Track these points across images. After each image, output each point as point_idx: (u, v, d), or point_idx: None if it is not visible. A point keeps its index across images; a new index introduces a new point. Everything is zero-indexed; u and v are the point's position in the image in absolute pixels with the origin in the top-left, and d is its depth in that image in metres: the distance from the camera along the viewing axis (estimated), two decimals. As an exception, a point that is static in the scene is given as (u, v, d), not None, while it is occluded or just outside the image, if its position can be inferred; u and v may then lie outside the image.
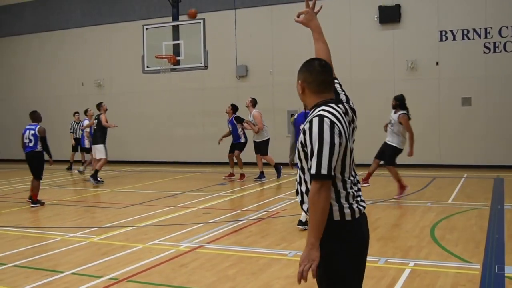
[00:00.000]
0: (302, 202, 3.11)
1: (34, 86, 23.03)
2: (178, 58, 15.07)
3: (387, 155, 10.96)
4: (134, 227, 8.74)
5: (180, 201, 11.40)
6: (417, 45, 16.73)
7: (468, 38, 16.20)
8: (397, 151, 10.91)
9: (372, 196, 11.11)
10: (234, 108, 14.69)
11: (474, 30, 16.12)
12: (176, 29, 15.45)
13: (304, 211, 3.10)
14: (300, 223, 8.15)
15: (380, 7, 16.96)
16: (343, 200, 3.00)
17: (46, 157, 11.36)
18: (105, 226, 8.89)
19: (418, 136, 16.58)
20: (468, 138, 16.18)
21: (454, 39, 16.35)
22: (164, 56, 14.98)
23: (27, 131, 11.29)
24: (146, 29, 15.60)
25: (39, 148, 11.17)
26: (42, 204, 11.13)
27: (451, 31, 16.36)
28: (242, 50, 18.59)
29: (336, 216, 2.97)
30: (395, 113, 10.90)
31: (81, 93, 21.86)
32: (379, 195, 11.41)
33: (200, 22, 14.75)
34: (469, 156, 16.13)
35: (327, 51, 3.59)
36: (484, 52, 16.05)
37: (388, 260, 6.31)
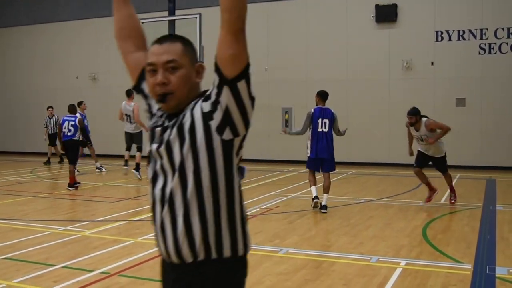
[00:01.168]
0: (190, 243, 2.10)
1: (28, 79, 22.91)
2: (173, 53, 15.02)
3: (442, 166, 10.09)
4: (126, 222, 8.73)
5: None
6: (413, 44, 16.75)
7: (464, 39, 16.24)
8: (445, 157, 10.17)
9: (365, 195, 11.14)
10: None
11: (470, 31, 16.16)
12: (172, 24, 15.41)
13: (183, 258, 2.11)
14: (324, 207, 9.22)
15: (376, 6, 16.95)
16: (246, 228, 2.23)
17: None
18: (97, 220, 8.87)
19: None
20: (462, 138, 16.20)
21: (450, 39, 16.39)
22: (159, 50, 14.92)
23: (66, 122, 12.38)
24: (142, 23, 15.49)
25: (77, 137, 12.34)
26: (77, 187, 12.23)
27: (447, 31, 16.40)
28: (238, 46, 18.50)
29: (241, 250, 2.18)
30: (417, 130, 9.78)
31: (75, 86, 21.75)
32: (371, 194, 11.43)
33: (196, 17, 14.72)
34: (462, 156, 16.15)
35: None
36: (480, 53, 16.09)
37: (380, 259, 6.33)
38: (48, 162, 18.22)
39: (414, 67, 16.80)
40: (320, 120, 9.33)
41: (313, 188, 9.47)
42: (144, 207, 9.96)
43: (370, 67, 17.22)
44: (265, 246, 7.00)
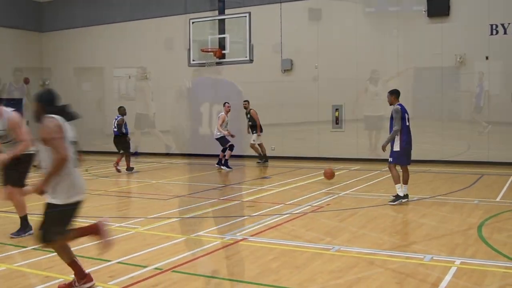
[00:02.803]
0: None
1: (87, 78, 23.71)
2: (223, 51, 15.19)
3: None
4: (179, 219, 8.86)
5: (224, 193, 11.49)
6: (466, 39, 16.37)
7: (520, 32, 15.76)
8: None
9: (418, 193, 10.96)
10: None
11: (527, 23, 15.66)
12: (221, 22, 15.60)
13: None
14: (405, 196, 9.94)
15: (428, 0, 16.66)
16: None
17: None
18: (150, 217, 9.03)
19: (465, 132, 16.31)
20: (519, 134, 15.75)
21: (505, 33, 15.91)
22: (209, 49, 15.11)
23: (115, 120, 15.43)
24: (192, 22, 15.77)
25: (124, 131, 15.41)
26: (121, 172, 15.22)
27: (502, 24, 15.93)
28: (287, 44, 18.54)
29: None
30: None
31: (128, 86, 22.28)
32: (425, 191, 11.24)
33: (245, 16, 14.83)
34: (520, 153, 15.72)
35: None
36: (537, 47, 15.59)
37: (434, 258, 6.22)
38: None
39: (468, 62, 16.40)
40: (406, 115, 10.05)
41: (403, 186, 9.92)
42: (196, 204, 10.09)
43: (422, 63, 16.94)
44: (317, 244, 6.98)
